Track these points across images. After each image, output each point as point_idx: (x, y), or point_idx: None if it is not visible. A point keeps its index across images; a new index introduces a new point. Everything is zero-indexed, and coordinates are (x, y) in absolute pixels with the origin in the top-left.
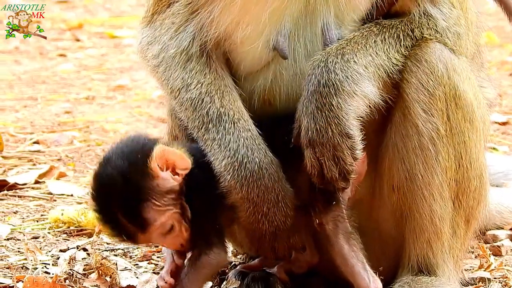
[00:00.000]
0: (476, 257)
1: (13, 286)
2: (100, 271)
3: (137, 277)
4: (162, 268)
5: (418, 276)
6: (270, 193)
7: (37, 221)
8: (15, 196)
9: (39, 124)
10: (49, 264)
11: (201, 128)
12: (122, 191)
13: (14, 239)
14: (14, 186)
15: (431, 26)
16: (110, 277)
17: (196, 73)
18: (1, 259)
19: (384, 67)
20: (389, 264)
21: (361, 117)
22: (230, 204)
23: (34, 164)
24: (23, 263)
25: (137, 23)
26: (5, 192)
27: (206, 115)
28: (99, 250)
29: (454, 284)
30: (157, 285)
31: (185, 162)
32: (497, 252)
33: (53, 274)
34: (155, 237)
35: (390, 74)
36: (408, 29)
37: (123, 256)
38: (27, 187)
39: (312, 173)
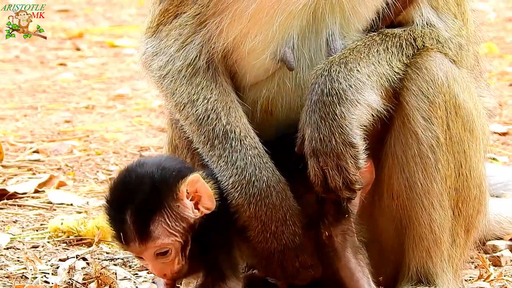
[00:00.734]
0: (475, 267)
1: None
2: (100, 281)
3: (136, 287)
4: None
5: (417, 286)
6: (278, 211)
7: (37, 230)
8: (14, 205)
9: (39, 133)
10: (48, 273)
11: (207, 144)
12: (143, 193)
13: (13, 248)
14: (13, 195)
15: (434, 36)
16: (110, 287)
17: (202, 88)
18: (1, 268)
19: (387, 76)
20: (389, 274)
21: (364, 126)
22: (241, 228)
23: (34, 173)
24: (23, 272)
25: (138, 33)
26: (5, 201)
27: (212, 131)
28: (98, 259)
29: None
30: None
31: (211, 202)
32: (496, 263)
33: (52, 283)
34: (148, 253)
35: (392, 83)
36: (411, 38)
37: (123, 266)
38: (27, 196)
39: (316, 183)
